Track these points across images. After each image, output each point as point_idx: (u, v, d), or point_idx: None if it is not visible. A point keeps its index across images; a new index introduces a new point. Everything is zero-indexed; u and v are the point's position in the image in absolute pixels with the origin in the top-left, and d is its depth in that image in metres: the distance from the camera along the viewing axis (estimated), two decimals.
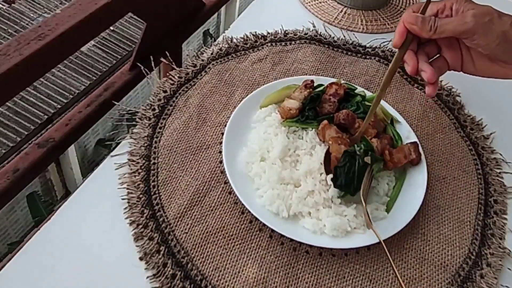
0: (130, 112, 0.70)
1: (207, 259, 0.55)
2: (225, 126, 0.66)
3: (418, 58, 0.56)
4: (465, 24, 0.52)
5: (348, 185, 0.58)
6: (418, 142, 0.66)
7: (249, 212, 0.58)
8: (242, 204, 0.58)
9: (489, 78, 0.57)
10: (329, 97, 0.67)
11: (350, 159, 0.59)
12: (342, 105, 0.68)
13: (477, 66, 0.56)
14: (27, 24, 3.74)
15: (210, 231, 0.58)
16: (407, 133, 0.68)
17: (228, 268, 0.55)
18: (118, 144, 0.67)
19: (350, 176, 0.58)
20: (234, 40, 0.83)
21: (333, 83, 0.69)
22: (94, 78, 3.66)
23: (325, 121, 0.63)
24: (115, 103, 0.85)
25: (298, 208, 0.58)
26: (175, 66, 0.76)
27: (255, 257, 0.56)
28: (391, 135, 0.67)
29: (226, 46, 0.81)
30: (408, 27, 0.55)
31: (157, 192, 0.61)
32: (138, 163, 0.63)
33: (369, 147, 0.61)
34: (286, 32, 0.86)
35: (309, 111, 0.66)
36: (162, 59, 0.78)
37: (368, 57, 0.84)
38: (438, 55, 0.57)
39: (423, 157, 0.65)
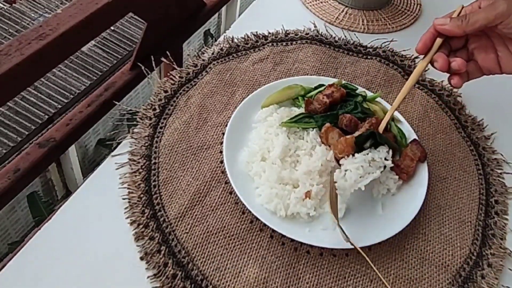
0: (130, 112, 0.70)
1: (208, 259, 0.55)
2: (226, 126, 0.66)
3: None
4: (496, 9, 0.51)
5: None
6: (417, 139, 0.66)
7: (250, 212, 0.58)
8: (243, 204, 0.58)
9: None
10: (322, 96, 0.67)
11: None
12: (340, 104, 0.68)
13: None
14: (28, 24, 3.75)
15: (211, 231, 0.58)
16: (408, 133, 0.68)
17: (228, 268, 0.55)
18: (118, 144, 0.67)
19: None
20: (235, 40, 0.83)
21: (332, 84, 0.69)
22: (95, 78, 3.67)
23: (328, 124, 0.63)
24: (116, 103, 0.85)
25: (295, 208, 0.58)
26: (175, 66, 0.76)
27: (256, 257, 0.56)
28: (395, 133, 0.67)
29: (227, 46, 0.81)
30: (439, 28, 0.55)
31: (158, 191, 0.61)
32: (138, 162, 0.63)
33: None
34: (287, 32, 0.86)
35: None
36: (162, 59, 0.78)
37: (369, 57, 0.84)
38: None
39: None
